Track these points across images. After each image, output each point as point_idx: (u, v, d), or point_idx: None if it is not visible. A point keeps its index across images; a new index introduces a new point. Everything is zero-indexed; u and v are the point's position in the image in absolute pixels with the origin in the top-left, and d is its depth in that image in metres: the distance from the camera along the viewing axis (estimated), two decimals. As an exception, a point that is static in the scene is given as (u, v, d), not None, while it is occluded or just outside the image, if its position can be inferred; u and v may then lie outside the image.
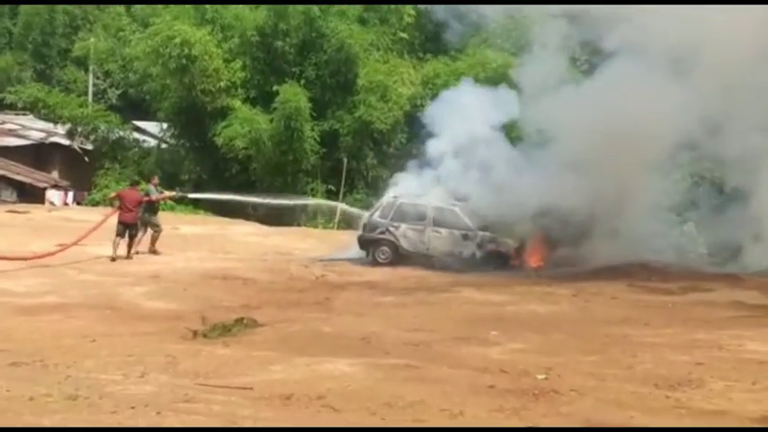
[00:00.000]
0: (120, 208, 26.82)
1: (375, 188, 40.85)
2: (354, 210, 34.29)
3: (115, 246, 25.96)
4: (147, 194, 28.36)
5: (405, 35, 44.76)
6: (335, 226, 39.53)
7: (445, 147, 29.09)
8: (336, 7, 43.91)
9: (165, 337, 15.30)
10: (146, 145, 50.05)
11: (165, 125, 48.59)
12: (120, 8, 50.72)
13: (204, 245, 28.83)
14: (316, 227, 39.60)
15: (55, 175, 49.49)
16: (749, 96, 26.15)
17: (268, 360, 13.43)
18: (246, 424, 10.03)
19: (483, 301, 21.55)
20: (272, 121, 42.00)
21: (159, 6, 46.78)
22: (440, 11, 43.58)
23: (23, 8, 58.91)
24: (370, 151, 43.37)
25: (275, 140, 41.63)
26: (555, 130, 27.67)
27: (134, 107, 51.32)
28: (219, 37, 44.16)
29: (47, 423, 9.71)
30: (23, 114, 53.76)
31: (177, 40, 41.48)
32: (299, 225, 39.64)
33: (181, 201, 33.05)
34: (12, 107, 53.83)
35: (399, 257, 27.63)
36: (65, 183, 47.93)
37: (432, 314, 19.27)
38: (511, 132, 30.71)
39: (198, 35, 42.16)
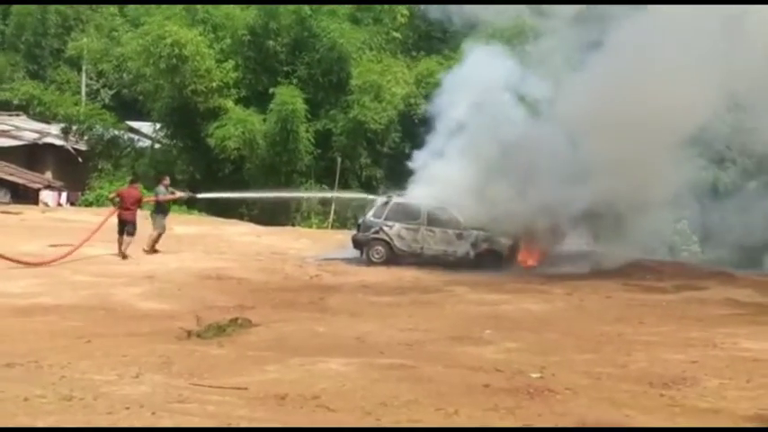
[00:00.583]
0: (120, 206, 26.93)
1: (369, 187, 40.92)
2: (355, 194, 34.41)
3: (119, 243, 26.18)
4: (156, 194, 28.51)
5: (398, 35, 44.79)
6: (329, 225, 39.60)
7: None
8: (327, 7, 43.98)
9: (159, 338, 15.28)
10: (139, 145, 50.07)
11: (158, 125, 48.59)
12: (113, 8, 50.73)
13: (198, 245, 28.82)
14: (310, 227, 39.64)
15: (48, 175, 49.42)
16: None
17: (263, 360, 13.43)
18: (241, 424, 10.01)
19: (477, 300, 21.60)
20: (265, 121, 42.04)
21: (152, 7, 46.79)
22: (434, 11, 43.75)
23: (15, 8, 58.81)
24: (364, 150, 43.41)
25: (269, 141, 41.67)
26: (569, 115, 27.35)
27: (127, 107, 51.25)
28: (211, 37, 44.21)
29: (41, 424, 9.68)
30: (16, 115, 53.75)
31: (168, 40, 41.48)
32: (293, 225, 39.68)
33: (191, 201, 33.06)
34: (5, 107, 53.82)
35: (393, 257, 27.66)
36: (58, 183, 47.86)
37: (426, 313, 19.30)
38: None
39: (189, 35, 42.15)
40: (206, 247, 29.00)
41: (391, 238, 27.76)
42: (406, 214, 27.92)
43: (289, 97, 40.88)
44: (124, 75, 48.26)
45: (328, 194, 39.41)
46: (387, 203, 28.40)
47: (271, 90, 42.24)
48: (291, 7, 43.08)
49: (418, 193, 28.47)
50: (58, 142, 50.80)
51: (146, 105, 48.31)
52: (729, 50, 24.96)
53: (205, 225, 30.97)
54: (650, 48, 25.64)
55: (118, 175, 46.16)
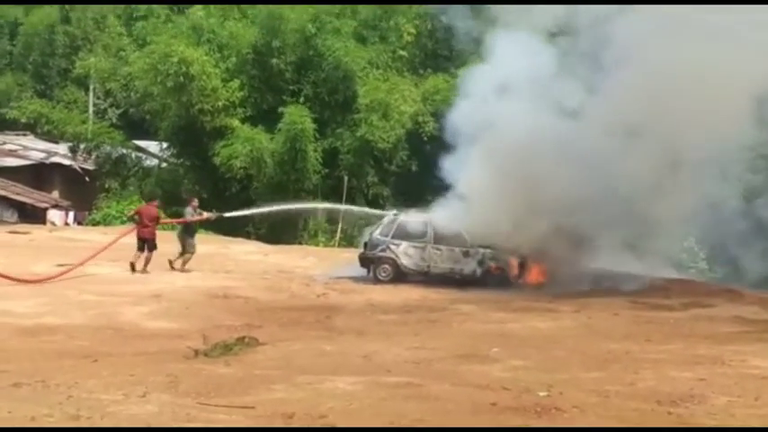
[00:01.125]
0: (138, 224, 27.70)
1: (376, 205, 40.94)
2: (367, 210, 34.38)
3: (136, 259, 26.72)
4: (184, 216, 29.25)
5: (404, 53, 44.86)
6: (336, 244, 39.62)
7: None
8: (332, 25, 44.07)
9: (166, 357, 15.28)
10: (146, 164, 50.20)
11: (164, 144, 48.70)
12: (120, 28, 50.84)
13: (205, 263, 28.79)
14: (317, 245, 39.67)
15: (56, 195, 49.53)
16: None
17: (270, 379, 13.40)
18: (248, 443, 10.02)
19: (484, 319, 21.57)
20: (272, 140, 42.08)
21: (159, 26, 47.00)
22: (441, 30, 43.93)
23: (23, 29, 59.12)
24: (371, 169, 43.44)
25: (277, 160, 41.71)
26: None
27: (134, 127, 51.39)
28: (217, 57, 44.30)
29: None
30: (23, 135, 53.92)
31: (175, 59, 41.60)
32: (300, 243, 39.71)
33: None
34: (12, 127, 53.98)
35: (400, 275, 27.64)
36: (66, 203, 47.94)
37: (433, 332, 19.29)
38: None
39: (195, 55, 42.27)
40: (213, 265, 28.99)
41: (398, 257, 27.75)
42: (413, 232, 27.91)
43: (298, 117, 40.96)
44: (131, 94, 48.36)
45: (354, 208, 39.13)
46: (393, 221, 28.41)
47: (279, 109, 42.32)
48: (295, 26, 43.21)
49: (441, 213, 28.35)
50: (66, 161, 50.98)
51: (153, 124, 48.46)
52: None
53: (212, 244, 30.99)
54: (675, 61, 25.26)
55: (125, 194, 46.31)
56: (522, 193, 26.11)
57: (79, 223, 46.34)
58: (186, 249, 28.25)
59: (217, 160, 42.31)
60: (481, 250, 27.47)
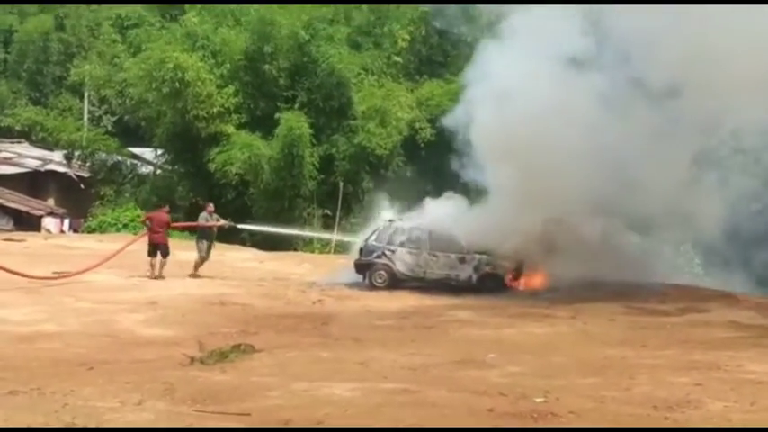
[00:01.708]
0: (149, 230, 28.29)
1: (371, 212, 40.93)
2: None
3: (151, 266, 27.60)
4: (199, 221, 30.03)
5: (399, 59, 44.87)
6: (332, 250, 39.58)
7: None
8: (325, 32, 44.05)
9: (162, 364, 15.29)
10: (141, 171, 50.20)
11: (159, 151, 48.69)
12: (115, 35, 50.83)
13: (201, 270, 28.77)
14: (312, 251, 39.64)
15: (51, 202, 49.52)
16: None
17: (266, 386, 13.41)
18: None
19: (480, 324, 21.56)
20: (269, 146, 42.04)
21: (153, 33, 46.99)
22: (435, 35, 43.95)
23: (18, 36, 59.10)
24: (367, 175, 43.40)
25: (274, 166, 41.65)
26: None
27: (129, 134, 51.36)
28: (211, 63, 44.26)
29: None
30: (18, 142, 53.89)
31: (170, 65, 41.59)
32: (295, 250, 39.69)
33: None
34: (7, 135, 53.97)
35: (396, 281, 27.62)
36: (61, 210, 47.92)
37: (429, 338, 19.28)
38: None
39: (190, 61, 42.26)
40: (209, 272, 28.96)
41: (394, 263, 27.74)
42: (409, 238, 27.88)
43: (295, 122, 40.89)
44: (126, 101, 48.27)
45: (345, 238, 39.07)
46: (389, 228, 28.41)
47: (276, 115, 42.26)
48: (288, 32, 43.16)
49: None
50: (61, 169, 50.98)
51: (148, 131, 48.42)
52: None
53: (213, 250, 30.96)
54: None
55: (120, 201, 46.26)
56: (543, 194, 25.92)
57: (75, 231, 46.32)
58: (199, 254, 28.90)
59: (212, 166, 42.27)
60: (477, 256, 27.44)
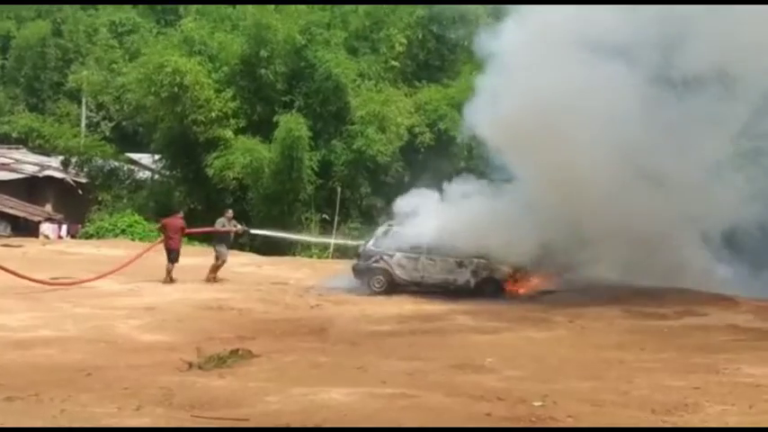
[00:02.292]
0: (165, 235, 28.98)
1: (369, 217, 40.96)
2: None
3: (167, 271, 28.22)
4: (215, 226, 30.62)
5: (396, 63, 44.85)
6: (330, 255, 39.59)
7: None
8: (322, 36, 44.06)
9: (160, 370, 15.26)
10: (139, 176, 50.22)
11: (157, 157, 48.70)
12: (113, 40, 50.86)
13: (199, 275, 28.77)
14: (310, 256, 39.63)
15: (48, 208, 49.44)
16: None
17: (264, 391, 13.41)
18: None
19: (478, 329, 21.55)
20: (268, 149, 42.03)
21: (150, 39, 47.05)
22: (432, 40, 43.92)
23: (15, 42, 59.07)
24: (365, 180, 43.38)
25: (273, 170, 41.63)
26: None
27: (127, 139, 51.42)
28: (209, 67, 44.28)
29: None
30: (16, 148, 53.85)
31: (169, 69, 41.63)
32: (293, 255, 39.68)
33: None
34: (4, 141, 53.95)
35: (394, 286, 27.58)
36: (59, 216, 47.85)
37: (427, 342, 19.26)
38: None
39: (189, 65, 42.29)
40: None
41: (392, 267, 27.69)
42: (407, 243, 27.83)
43: (294, 124, 40.86)
44: (124, 106, 48.30)
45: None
46: (387, 232, 28.39)
47: (275, 118, 42.26)
48: (284, 36, 43.16)
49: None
50: (59, 174, 50.92)
51: (145, 137, 48.47)
52: None
53: (206, 256, 30.92)
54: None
55: (118, 206, 46.23)
56: (566, 187, 25.57)
57: (72, 236, 46.26)
58: (217, 258, 29.46)
59: (210, 171, 42.26)
60: (475, 260, 27.39)
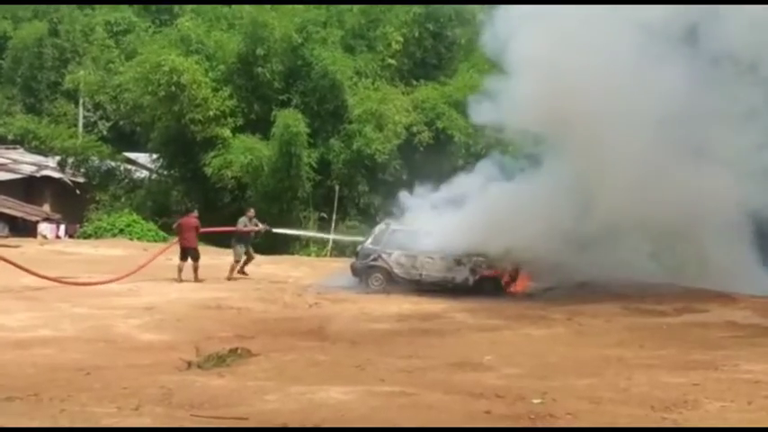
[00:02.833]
0: (180, 235, 29.67)
1: (367, 215, 40.98)
2: None
3: (179, 270, 28.59)
4: (237, 225, 31.19)
5: (393, 62, 44.84)
6: (328, 254, 39.62)
7: None
8: (319, 35, 44.09)
9: (159, 369, 15.25)
10: (136, 176, 50.24)
11: (154, 156, 48.71)
12: (109, 40, 50.89)
13: (212, 275, 28.78)
14: (308, 255, 39.66)
15: (46, 208, 49.47)
16: None
17: (263, 390, 13.40)
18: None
19: (477, 326, 21.53)
20: (267, 147, 42.02)
21: (147, 38, 47.06)
22: (429, 38, 43.85)
23: (12, 43, 58.98)
24: (363, 178, 43.38)
25: (272, 167, 41.65)
26: None
27: (124, 139, 51.44)
28: (206, 66, 44.30)
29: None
30: (13, 148, 53.84)
31: (166, 68, 41.66)
32: (291, 253, 39.69)
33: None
34: (2, 141, 53.94)
35: (393, 284, 27.56)
36: (56, 216, 47.87)
37: (425, 340, 19.25)
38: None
39: (186, 64, 42.30)
40: (206, 276, 28.95)
41: (390, 266, 27.68)
42: (405, 241, 27.80)
43: (292, 120, 40.86)
44: (121, 106, 48.31)
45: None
46: (385, 230, 28.38)
47: (273, 113, 42.28)
48: (280, 34, 43.20)
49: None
50: (56, 174, 50.96)
51: (143, 136, 48.48)
52: None
53: (204, 255, 30.90)
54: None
55: (116, 206, 46.24)
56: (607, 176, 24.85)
57: (70, 236, 46.26)
58: (234, 257, 30.22)
59: (208, 171, 42.28)
60: (474, 258, 27.34)
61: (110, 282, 26.92)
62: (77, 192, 50.20)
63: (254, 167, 41.76)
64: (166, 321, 21.02)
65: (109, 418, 11.60)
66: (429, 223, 27.32)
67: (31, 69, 58.30)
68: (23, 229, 45.54)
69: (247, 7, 45.09)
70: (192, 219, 30.05)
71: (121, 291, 25.83)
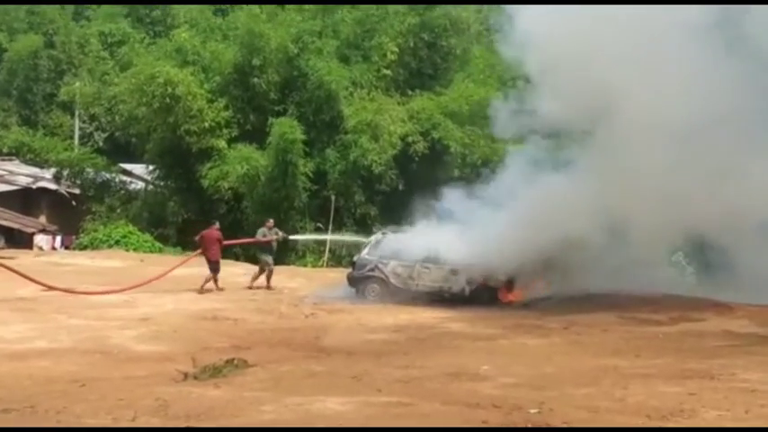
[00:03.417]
0: (202, 247, 30.18)
1: (363, 225, 40.93)
2: None
3: (215, 282, 29.42)
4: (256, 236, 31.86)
5: (388, 72, 44.81)
6: (324, 264, 39.60)
7: None
8: (314, 45, 44.08)
9: (155, 380, 15.25)
10: (132, 187, 50.18)
11: (150, 167, 48.69)
12: (104, 52, 50.89)
13: (194, 286, 28.74)
14: (305, 265, 39.60)
15: (43, 219, 49.43)
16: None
17: (259, 401, 13.39)
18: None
19: (473, 336, 21.56)
20: (264, 157, 42.00)
21: (142, 49, 47.03)
22: (423, 47, 43.83)
23: (8, 55, 58.94)
24: (359, 189, 43.33)
25: (268, 177, 41.61)
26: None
27: (120, 150, 51.36)
28: (202, 77, 44.30)
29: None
30: (9, 160, 53.79)
31: (160, 79, 41.63)
32: (287, 264, 39.64)
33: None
34: (-2, 153, 53.96)
35: (389, 294, 27.53)
36: (53, 227, 47.83)
37: (422, 350, 19.26)
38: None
39: (180, 75, 42.29)
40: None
41: (386, 276, 27.67)
42: (401, 251, 27.77)
43: (288, 128, 40.81)
44: (116, 117, 48.27)
45: None
46: (382, 241, 28.38)
47: (269, 120, 42.25)
48: (276, 45, 43.16)
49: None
50: (52, 186, 50.90)
51: (138, 147, 48.43)
52: None
53: (201, 266, 30.92)
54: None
55: (112, 217, 46.15)
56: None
57: (66, 247, 46.23)
58: (261, 267, 30.61)
59: (205, 183, 42.24)
60: (470, 268, 27.29)
61: (122, 291, 27.14)
62: (73, 203, 50.12)
63: (250, 177, 41.68)
64: (162, 332, 21.04)
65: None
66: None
67: (27, 81, 58.28)
68: (20, 240, 45.47)
69: (243, 18, 45.06)
70: (215, 231, 30.35)
71: (117, 302, 25.81)
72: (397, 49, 44.28)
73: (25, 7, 60.50)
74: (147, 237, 43.62)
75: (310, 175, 42.23)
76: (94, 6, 60.43)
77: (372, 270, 27.80)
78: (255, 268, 31.63)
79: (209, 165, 42.67)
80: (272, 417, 12.41)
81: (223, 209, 42.71)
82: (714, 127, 23.84)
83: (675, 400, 13.56)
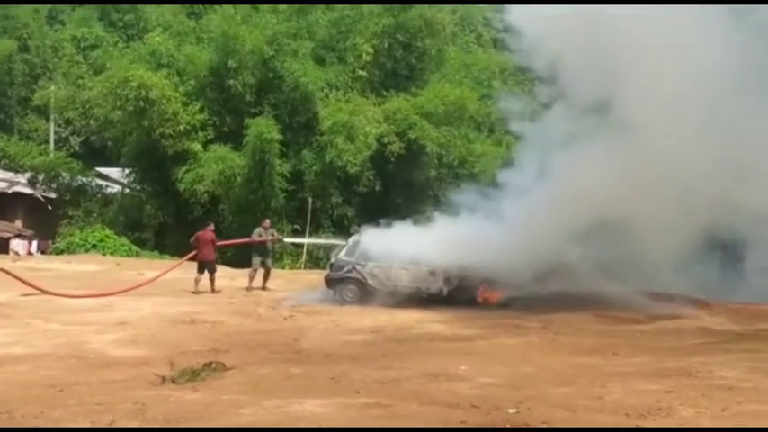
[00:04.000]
0: (196, 248, 30.48)
1: (340, 227, 40.96)
2: None
3: (196, 282, 29.65)
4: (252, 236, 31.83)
5: (364, 73, 44.83)
6: (302, 266, 39.60)
7: None
8: (290, 47, 44.07)
9: (133, 384, 15.19)
10: (109, 191, 50.08)
11: (126, 171, 48.61)
12: (78, 56, 50.73)
13: (171, 289, 28.69)
14: (282, 267, 39.55)
15: (18, 224, 49.29)
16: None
17: (238, 403, 13.36)
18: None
19: (451, 336, 21.55)
20: (239, 156, 41.96)
21: (116, 53, 46.95)
22: (398, 48, 43.81)
23: (-19, 60, 58.84)
24: (335, 190, 43.36)
25: (245, 177, 41.59)
26: None
27: (96, 154, 51.26)
28: (176, 80, 44.23)
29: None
30: (-17, 165, 53.65)
31: (134, 83, 41.54)
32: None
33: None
34: (-29, 159, 53.73)
35: (367, 295, 27.51)
36: (29, 232, 47.71)
37: (400, 351, 19.23)
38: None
39: (154, 79, 42.21)
40: (179, 291, 28.89)
41: (364, 277, 27.63)
42: (379, 252, 27.72)
43: (265, 127, 40.78)
44: (91, 121, 48.13)
45: None
46: (359, 242, 28.34)
47: (246, 120, 42.20)
48: (251, 47, 43.16)
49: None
50: (28, 191, 50.72)
51: (114, 151, 48.34)
52: None
53: (178, 269, 30.88)
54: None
55: (89, 221, 46.04)
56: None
57: (43, 252, 46.11)
58: (263, 267, 31.05)
59: (181, 186, 42.15)
60: (447, 269, 27.28)
61: (119, 293, 27.65)
62: (49, 208, 49.96)
63: (226, 177, 41.65)
64: (140, 336, 20.95)
65: (83, 434, 11.55)
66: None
67: (1, 86, 58.16)
68: (-5, 245, 45.35)
69: (217, 20, 45.08)
70: (209, 232, 30.62)
71: (95, 306, 25.75)
72: (372, 51, 44.36)
73: (-2, 11, 60.35)
74: (124, 240, 43.57)
75: (287, 176, 42.25)
76: (68, 10, 60.28)
77: (350, 271, 27.76)
78: (232, 270, 31.67)
79: (184, 168, 42.62)
80: (251, 419, 12.38)
81: (199, 212, 42.63)
82: (734, 123, 23.49)
83: (653, 398, 13.59)
